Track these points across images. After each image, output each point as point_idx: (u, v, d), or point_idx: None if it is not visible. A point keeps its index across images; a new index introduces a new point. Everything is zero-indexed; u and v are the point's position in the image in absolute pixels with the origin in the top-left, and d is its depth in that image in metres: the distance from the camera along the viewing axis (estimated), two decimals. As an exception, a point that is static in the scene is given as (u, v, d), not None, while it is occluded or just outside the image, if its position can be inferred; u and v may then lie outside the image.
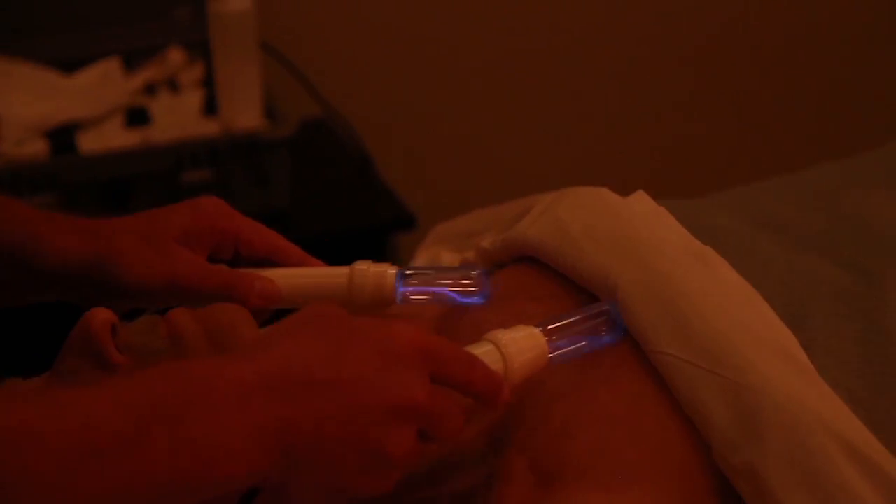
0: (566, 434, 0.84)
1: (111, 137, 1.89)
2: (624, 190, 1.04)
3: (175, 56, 2.01)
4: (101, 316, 0.81)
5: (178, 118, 1.94)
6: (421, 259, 1.35)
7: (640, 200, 1.01)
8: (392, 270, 0.92)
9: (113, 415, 0.63)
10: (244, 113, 1.90)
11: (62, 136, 1.87)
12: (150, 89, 2.00)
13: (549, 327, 0.83)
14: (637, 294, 0.88)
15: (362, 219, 2.01)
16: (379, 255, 2.02)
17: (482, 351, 0.79)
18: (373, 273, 0.92)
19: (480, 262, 1.13)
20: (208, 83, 1.98)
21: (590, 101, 2.53)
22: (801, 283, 0.90)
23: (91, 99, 1.93)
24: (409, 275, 0.93)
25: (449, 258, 1.28)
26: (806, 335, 0.86)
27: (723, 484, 0.81)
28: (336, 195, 2.05)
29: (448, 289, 0.94)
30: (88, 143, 1.87)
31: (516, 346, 0.80)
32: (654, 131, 2.59)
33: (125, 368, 0.81)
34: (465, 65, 2.39)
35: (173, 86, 2.01)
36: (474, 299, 0.93)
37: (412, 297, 0.93)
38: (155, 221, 0.92)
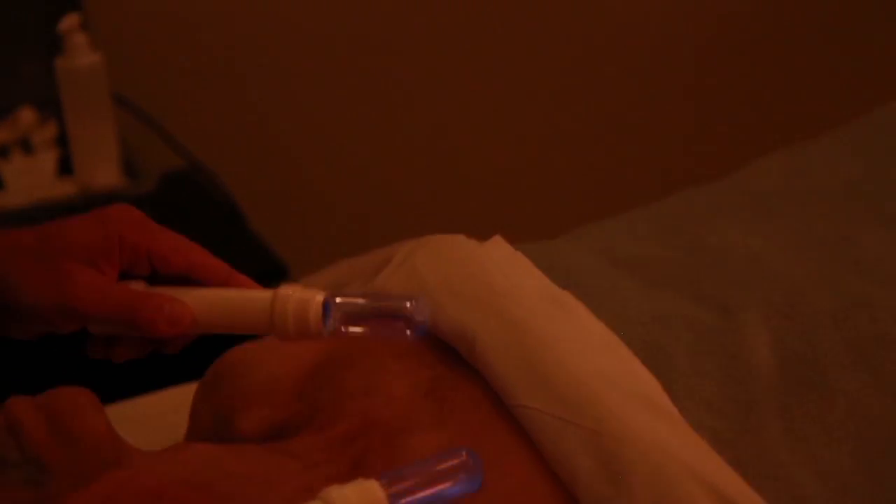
0: None
1: (-37, 204, 1.82)
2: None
3: (26, 115, 1.95)
4: None
5: (32, 180, 1.87)
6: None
7: (497, 246, 0.99)
8: (319, 297, 0.83)
9: None
10: (101, 170, 1.85)
11: None
12: (2, 151, 1.93)
13: (390, 480, 0.74)
14: (495, 346, 0.86)
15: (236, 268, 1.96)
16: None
17: None
18: (296, 300, 0.83)
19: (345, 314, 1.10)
20: (62, 142, 1.92)
21: (459, 146, 2.52)
22: (661, 322, 0.89)
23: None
24: (340, 303, 0.84)
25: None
26: (667, 377, 0.85)
27: None
28: (206, 246, 1.99)
29: (383, 317, 0.84)
30: (-63, 211, 1.80)
31: None
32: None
33: None
34: (329, 110, 2.36)
35: (26, 147, 1.95)
36: (410, 328, 0.83)
37: (344, 328, 0.84)
38: (52, 237, 0.82)
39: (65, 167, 1.89)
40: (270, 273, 1.95)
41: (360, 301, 0.86)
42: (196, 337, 0.86)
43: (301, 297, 0.83)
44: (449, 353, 0.92)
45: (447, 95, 2.46)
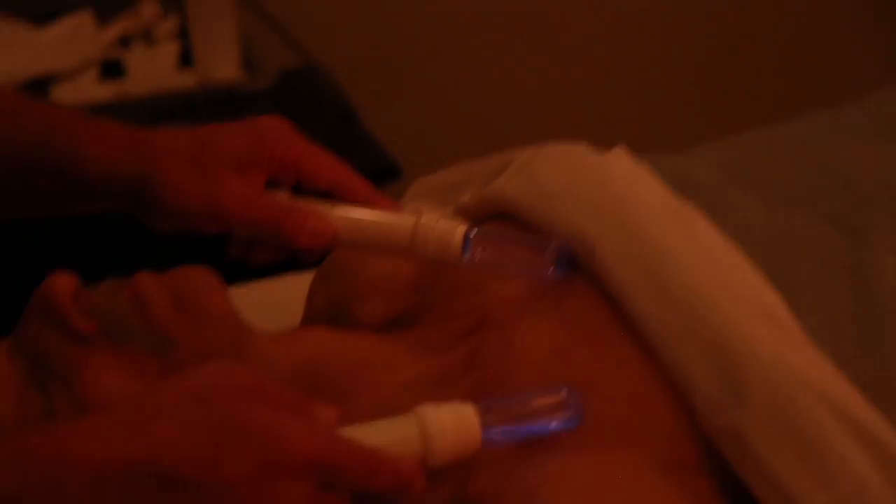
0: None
1: (85, 90, 1.85)
2: (613, 142, 1.00)
3: (148, 8, 1.96)
4: (62, 281, 0.78)
5: (153, 70, 1.90)
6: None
7: (619, 157, 0.98)
8: (461, 229, 0.86)
9: None
10: (221, 64, 1.87)
11: (36, 90, 1.82)
12: (124, 42, 1.96)
13: (488, 406, 0.74)
14: (615, 254, 0.86)
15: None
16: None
17: (400, 428, 0.71)
18: (438, 230, 0.85)
19: (460, 217, 1.10)
20: (184, 35, 1.94)
21: (582, 48, 2.48)
22: (785, 240, 0.88)
23: (64, 52, 1.89)
24: (480, 235, 0.86)
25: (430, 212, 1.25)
26: (791, 294, 0.83)
27: (707, 446, 0.79)
28: (319, 146, 2.01)
29: (519, 255, 0.87)
30: (62, 95, 1.83)
31: (441, 426, 0.71)
32: (647, 78, 2.55)
33: (91, 336, 0.79)
34: (450, 8, 2.34)
35: (148, 38, 1.97)
36: (543, 270, 0.86)
37: (480, 259, 0.86)
38: (205, 142, 0.84)
39: (185, 60, 1.91)
40: (383, 173, 1.97)
41: (501, 235, 0.88)
42: (333, 248, 0.88)
43: (443, 228, 0.85)
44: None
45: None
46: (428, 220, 0.86)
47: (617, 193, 0.91)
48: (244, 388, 0.66)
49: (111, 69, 1.89)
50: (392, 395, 0.85)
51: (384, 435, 0.70)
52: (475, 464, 0.81)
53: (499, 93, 2.44)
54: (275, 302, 1.20)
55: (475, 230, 0.85)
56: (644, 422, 0.80)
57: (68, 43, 1.91)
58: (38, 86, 1.83)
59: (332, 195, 0.88)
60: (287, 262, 0.90)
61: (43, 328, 0.79)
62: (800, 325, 0.81)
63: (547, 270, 0.86)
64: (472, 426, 0.72)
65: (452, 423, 0.72)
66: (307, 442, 0.65)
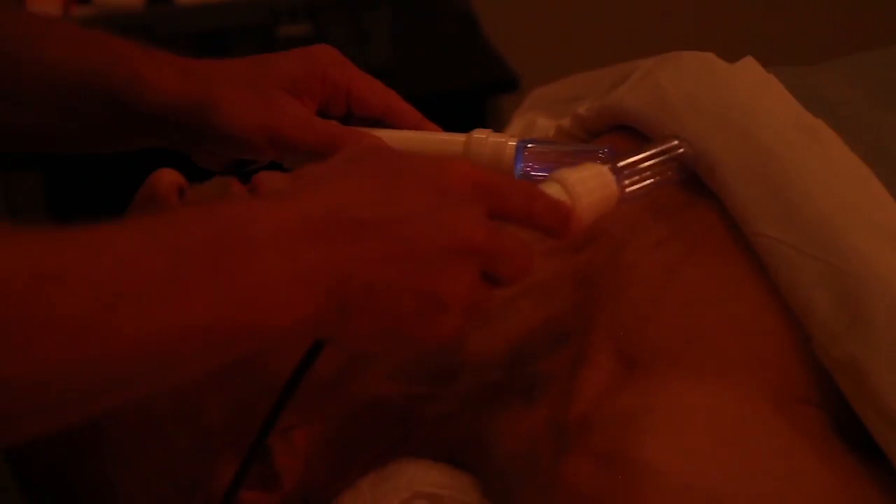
0: (654, 317, 0.79)
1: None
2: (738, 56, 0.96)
3: None
4: (168, 177, 0.78)
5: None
6: (516, 124, 1.29)
7: (748, 68, 0.93)
8: (512, 142, 0.85)
9: (147, 257, 0.55)
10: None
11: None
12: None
13: (619, 164, 0.75)
14: (737, 170, 0.81)
15: (464, 79, 1.94)
16: (479, 117, 1.97)
17: (549, 191, 0.71)
18: (491, 143, 0.85)
19: (576, 129, 1.07)
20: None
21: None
22: (924, 161, 0.82)
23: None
24: (531, 149, 0.85)
25: (545, 124, 1.22)
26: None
27: (821, 377, 0.75)
28: (438, 54, 1.98)
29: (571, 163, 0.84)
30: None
31: (584, 186, 0.71)
32: None
33: None
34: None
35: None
36: None
37: (532, 172, 0.85)
38: (261, 67, 0.85)
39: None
40: (502, 83, 1.93)
41: (552, 147, 0.86)
42: None
43: (495, 142, 0.84)
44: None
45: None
46: (479, 134, 0.85)
47: (744, 106, 0.86)
48: (390, 150, 0.68)
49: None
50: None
51: None
52: (573, 385, 0.79)
53: (619, 3, 2.37)
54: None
55: (527, 143, 0.84)
56: (756, 349, 0.77)
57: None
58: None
59: (376, 125, 0.88)
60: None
61: None
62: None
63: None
64: (609, 182, 0.73)
65: (593, 181, 0.73)
66: (472, 169, 0.66)
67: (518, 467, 0.81)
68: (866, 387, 0.71)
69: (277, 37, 1.79)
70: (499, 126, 2.03)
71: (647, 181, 0.76)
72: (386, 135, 0.87)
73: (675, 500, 0.70)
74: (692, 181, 0.86)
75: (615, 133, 0.97)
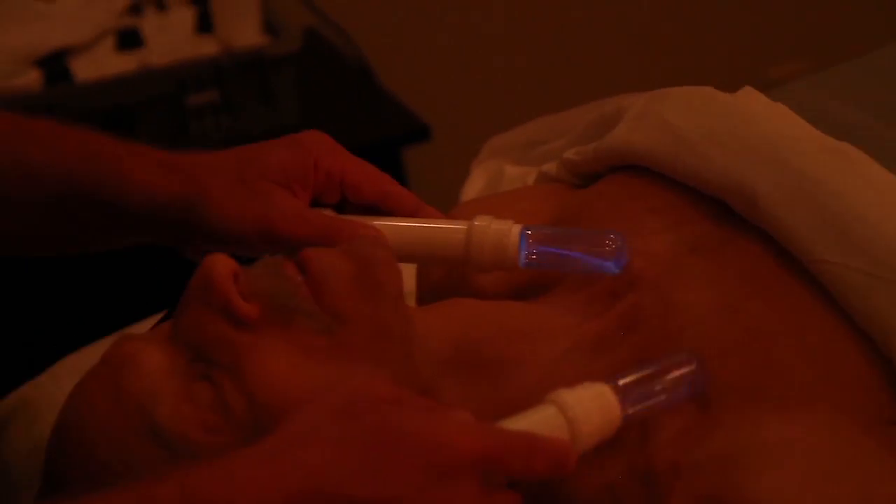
0: (721, 354, 0.78)
1: (105, 63, 1.78)
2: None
3: (160, -27, 1.89)
4: (223, 263, 0.73)
5: (171, 38, 1.83)
6: (477, 174, 1.28)
7: (754, 97, 0.94)
8: (516, 228, 0.83)
9: None
10: (242, 29, 1.81)
11: (54, 65, 1.75)
12: (136, 9, 1.88)
13: (622, 383, 0.71)
14: (783, 199, 0.81)
15: (374, 132, 1.92)
16: (395, 169, 1.94)
17: (543, 418, 0.68)
18: (494, 231, 0.83)
19: (566, 174, 1.05)
20: (197, 0, 1.87)
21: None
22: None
23: (78, 22, 1.81)
24: (534, 234, 0.83)
25: (514, 172, 1.21)
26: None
27: None
28: (344, 110, 1.96)
29: (579, 252, 0.83)
30: (82, 69, 1.76)
31: (583, 409, 0.68)
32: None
33: (254, 320, 0.74)
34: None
35: (160, 5, 1.89)
36: (608, 265, 0.82)
37: (536, 259, 0.83)
38: (250, 159, 0.83)
39: (202, 25, 1.85)
40: (413, 133, 1.92)
41: (558, 232, 0.84)
42: None
43: (498, 229, 0.82)
44: (715, 207, 0.87)
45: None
46: (481, 222, 0.83)
47: (768, 135, 0.87)
48: (386, 398, 0.64)
49: (127, 40, 1.82)
50: (554, 365, 0.81)
51: (529, 425, 0.68)
52: (649, 431, 0.77)
53: (520, 45, 2.38)
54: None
55: (528, 229, 0.83)
56: (835, 376, 0.76)
57: (80, 13, 1.84)
58: (56, 60, 1.76)
59: (376, 211, 0.86)
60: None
61: (203, 314, 0.73)
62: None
63: (612, 263, 0.83)
64: (611, 404, 0.70)
65: (593, 403, 0.69)
66: (467, 439, 0.63)
67: None
68: None
69: (186, 106, 1.74)
70: (419, 175, 2.03)
71: (652, 401, 0.72)
72: (383, 224, 0.84)
73: None
74: (726, 219, 0.86)
75: (622, 173, 0.96)
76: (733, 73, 1.49)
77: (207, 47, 1.81)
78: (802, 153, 0.84)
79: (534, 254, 0.83)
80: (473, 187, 1.25)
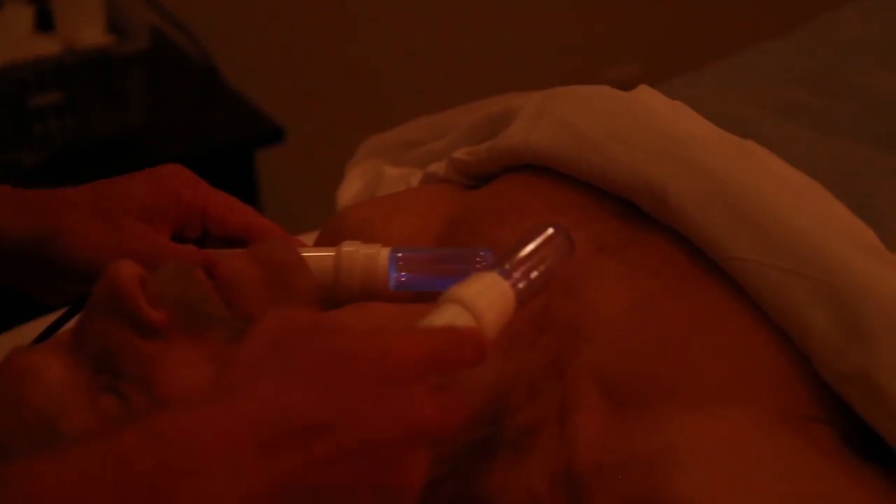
0: (637, 353, 0.77)
1: (-62, 64, 1.67)
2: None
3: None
4: (129, 268, 0.69)
5: (9, 37, 1.74)
6: (353, 175, 1.24)
7: (651, 95, 0.94)
8: (384, 253, 0.82)
9: (94, 497, 0.53)
10: (86, 28, 1.73)
11: None
12: (-33, 8, 1.79)
13: (507, 266, 0.73)
14: (694, 197, 0.81)
15: (226, 134, 1.86)
16: (248, 172, 1.89)
17: (452, 315, 0.68)
18: (362, 256, 0.82)
19: (455, 175, 1.04)
20: (37, -4, 1.78)
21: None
22: (852, 170, 0.85)
23: None
24: (404, 257, 0.82)
25: (394, 173, 1.18)
26: (877, 225, 0.80)
27: (822, 394, 0.76)
28: (193, 111, 1.89)
29: (451, 275, 0.80)
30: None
31: (483, 301, 0.69)
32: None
33: (163, 328, 0.70)
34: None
35: (-6, 1, 1.80)
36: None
37: (406, 282, 0.82)
38: (108, 194, 0.81)
39: (42, 24, 1.76)
40: (266, 135, 1.88)
41: (428, 253, 0.84)
42: None
43: (366, 254, 0.82)
44: (620, 206, 0.87)
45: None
46: (348, 248, 0.83)
47: (672, 132, 0.86)
48: (314, 324, 0.63)
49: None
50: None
51: (443, 323, 0.68)
52: (566, 431, 0.76)
53: (374, 44, 2.35)
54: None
55: (398, 252, 0.82)
56: (753, 372, 0.76)
57: None
58: None
59: (241, 243, 0.85)
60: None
61: (108, 323, 0.69)
62: (895, 257, 0.79)
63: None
64: (503, 286, 0.71)
65: (488, 291, 0.70)
66: (406, 343, 0.62)
67: None
68: (881, 396, 0.72)
69: (28, 107, 1.65)
70: (274, 177, 1.98)
71: (535, 274, 0.74)
72: None
73: None
74: (633, 217, 0.85)
75: (520, 174, 0.94)
76: (568, 74, 1.51)
77: (49, 46, 1.72)
78: (709, 151, 0.84)
79: (403, 277, 0.82)
80: (350, 189, 1.22)
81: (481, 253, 0.83)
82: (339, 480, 0.58)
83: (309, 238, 1.00)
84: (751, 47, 1.12)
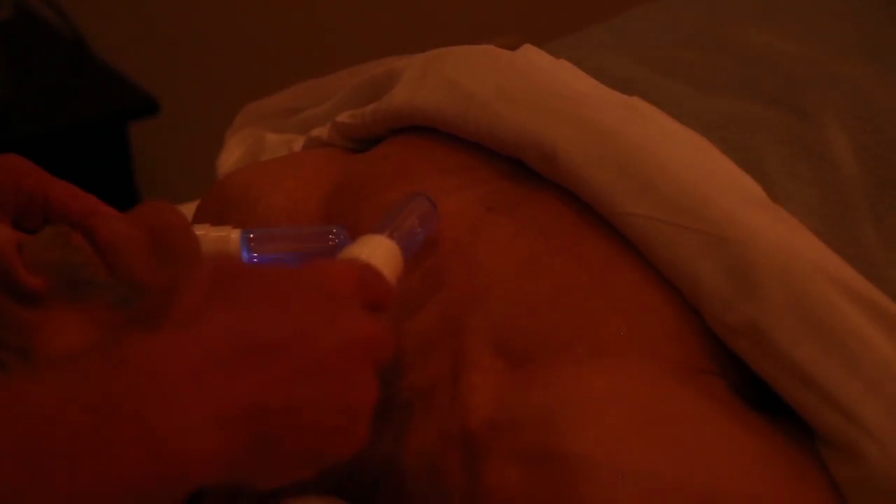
0: (529, 312, 0.77)
1: None
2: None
3: None
4: (3, 233, 0.66)
5: None
6: (233, 143, 1.22)
7: (535, 54, 0.93)
8: (235, 235, 0.81)
9: (66, 413, 0.54)
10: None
11: None
12: None
13: (393, 231, 0.76)
14: (582, 155, 0.81)
15: (97, 108, 1.80)
16: (122, 146, 1.83)
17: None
18: (213, 239, 0.80)
19: (339, 138, 1.02)
20: None
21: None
22: (741, 125, 0.86)
23: None
24: (255, 237, 0.81)
25: (275, 140, 1.16)
26: (763, 180, 0.81)
27: (713, 345, 0.76)
28: (60, 85, 1.83)
29: (305, 252, 0.82)
30: None
31: (378, 258, 0.73)
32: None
33: (42, 294, 0.67)
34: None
35: None
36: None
37: (259, 263, 0.81)
38: None
39: None
40: (141, 108, 1.83)
41: (280, 233, 0.85)
42: None
43: (217, 237, 0.81)
44: (509, 166, 0.86)
45: None
46: (198, 231, 0.80)
47: (558, 90, 0.86)
48: (244, 265, 0.67)
49: None
50: None
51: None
52: (459, 393, 0.75)
53: (245, 12, 2.30)
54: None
55: (249, 233, 0.81)
56: (646, 326, 0.76)
57: None
58: None
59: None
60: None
61: None
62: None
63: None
64: (390, 245, 0.75)
65: (381, 249, 0.74)
66: (338, 268, 0.66)
67: (423, 487, 0.76)
68: (769, 347, 0.73)
69: None
70: (148, 150, 1.92)
71: (410, 234, 0.77)
72: None
73: (615, 488, 0.68)
74: (522, 176, 0.85)
75: (407, 135, 0.93)
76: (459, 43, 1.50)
77: None
78: (596, 108, 0.84)
79: (255, 258, 0.81)
80: (231, 157, 1.19)
81: (334, 230, 0.83)
82: (300, 396, 0.60)
83: (188, 209, 0.97)
84: (628, 12, 1.12)
